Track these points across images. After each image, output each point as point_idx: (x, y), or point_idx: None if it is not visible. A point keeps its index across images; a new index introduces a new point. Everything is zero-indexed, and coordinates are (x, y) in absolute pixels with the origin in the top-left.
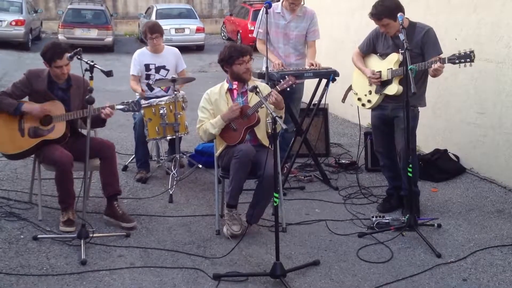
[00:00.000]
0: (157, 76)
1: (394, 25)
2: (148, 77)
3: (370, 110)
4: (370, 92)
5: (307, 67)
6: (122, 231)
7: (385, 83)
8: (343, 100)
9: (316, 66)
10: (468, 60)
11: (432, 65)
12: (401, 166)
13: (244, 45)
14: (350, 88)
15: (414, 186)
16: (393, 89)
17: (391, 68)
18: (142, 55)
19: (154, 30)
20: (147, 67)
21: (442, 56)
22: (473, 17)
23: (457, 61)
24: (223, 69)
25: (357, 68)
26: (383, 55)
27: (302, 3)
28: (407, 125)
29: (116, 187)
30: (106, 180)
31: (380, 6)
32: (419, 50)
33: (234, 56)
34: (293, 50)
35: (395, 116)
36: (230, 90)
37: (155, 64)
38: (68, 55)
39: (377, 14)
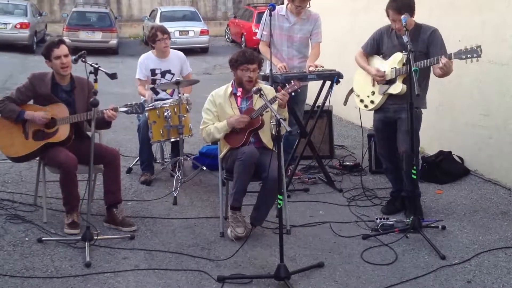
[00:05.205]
0: (163, 81)
1: (409, 22)
2: (153, 82)
3: (373, 113)
4: (373, 93)
5: (306, 70)
6: (126, 233)
7: (388, 83)
8: (345, 103)
9: (317, 66)
10: (475, 55)
11: (440, 62)
12: (404, 168)
13: (255, 54)
14: (351, 91)
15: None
16: (397, 88)
17: (395, 67)
18: (147, 60)
19: (165, 30)
20: (152, 72)
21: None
22: (477, 18)
23: (464, 56)
24: (231, 70)
25: (359, 70)
26: (387, 55)
27: (308, 5)
28: (411, 127)
29: (117, 196)
30: (108, 188)
31: (401, 0)
32: (425, 49)
33: (239, 61)
34: (296, 52)
35: (397, 117)
36: (234, 95)
37: (160, 69)
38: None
39: (398, 8)
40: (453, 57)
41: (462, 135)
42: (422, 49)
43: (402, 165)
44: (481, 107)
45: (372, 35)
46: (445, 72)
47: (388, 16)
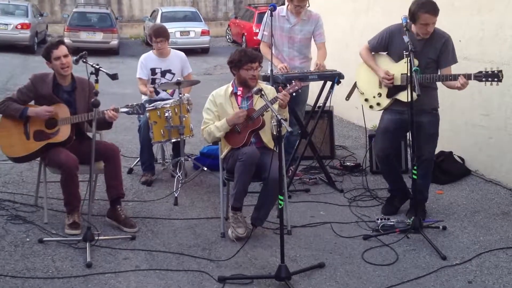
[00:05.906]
0: (163, 80)
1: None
2: (153, 81)
3: (381, 112)
4: (379, 95)
5: (312, 69)
6: (127, 233)
7: (398, 88)
8: (347, 98)
9: (319, 66)
10: (496, 79)
11: (458, 81)
12: (421, 176)
13: (256, 52)
14: (355, 86)
15: (425, 191)
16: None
17: (406, 74)
18: (148, 59)
19: (159, 34)
20: (153, 71)
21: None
22: (476, 18)
23: (484, 79)
24: (231, 71)
25: (364, 65)
26: (396, 56)
27: (307, 5)
28: (412, 129)
29: (119, 190)
30: (110, 183)
31: (436, 4)
32: (436, 57)
33: (243, 61)
34: (297, 53)
35: (416, 121)
36: (235, 94)
37: (160, 68)
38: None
39: (435, 11)
40: (472, 78)
41: (462, 135)
42: (433, 56)
43: (415, 173)
44: (481, 107)
45: (382, 34)
46: (461, 88)
47: (416, 19)
